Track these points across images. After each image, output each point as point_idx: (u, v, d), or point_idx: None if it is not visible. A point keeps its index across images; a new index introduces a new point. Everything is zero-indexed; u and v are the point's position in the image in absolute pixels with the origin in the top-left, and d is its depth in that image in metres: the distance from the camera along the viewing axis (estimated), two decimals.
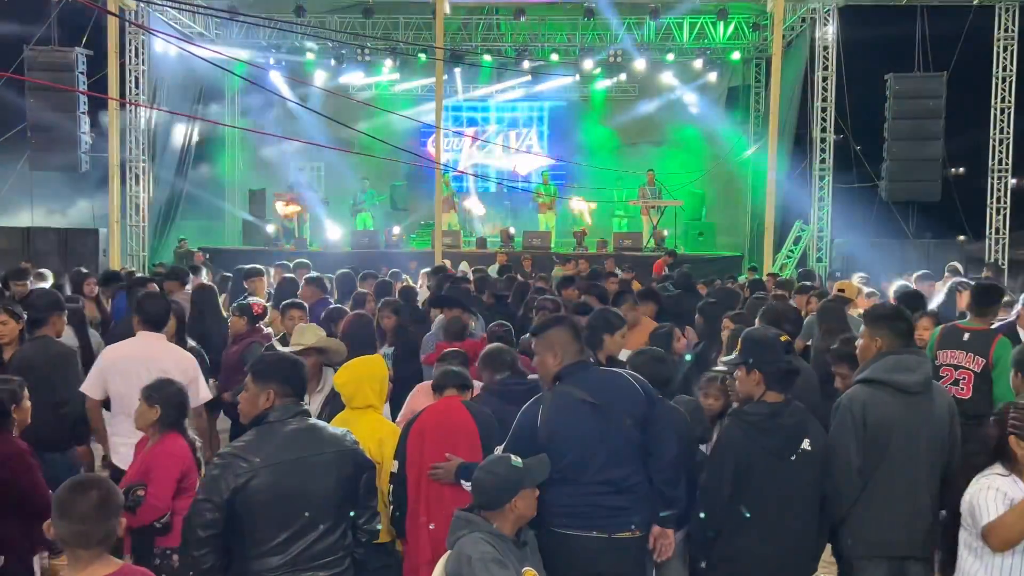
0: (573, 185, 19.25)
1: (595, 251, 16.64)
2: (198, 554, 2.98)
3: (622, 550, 3.38)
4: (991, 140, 16.31)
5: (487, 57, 19.22)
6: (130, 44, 15.93)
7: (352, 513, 3.22)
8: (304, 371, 3.36)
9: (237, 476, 2.97)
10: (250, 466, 2.99)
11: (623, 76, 19.48)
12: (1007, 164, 16.31)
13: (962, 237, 17.70)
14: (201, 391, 4.75)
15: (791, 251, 16.66)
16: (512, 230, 17.68)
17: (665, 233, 16.72)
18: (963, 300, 6.37)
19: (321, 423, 3.28)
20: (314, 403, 4.41)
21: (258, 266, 8.36)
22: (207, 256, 15.30)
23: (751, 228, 18.98)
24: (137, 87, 16.12)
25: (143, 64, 16.13)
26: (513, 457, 3.15)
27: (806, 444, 3.44)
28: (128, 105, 15.78)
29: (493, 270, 11.75)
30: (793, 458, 3.42)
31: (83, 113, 15.42)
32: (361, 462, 3.24)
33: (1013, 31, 15.90)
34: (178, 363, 4.67)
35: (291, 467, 3.04)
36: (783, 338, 3.50)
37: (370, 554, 3.33)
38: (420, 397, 4.46)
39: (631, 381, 3.56)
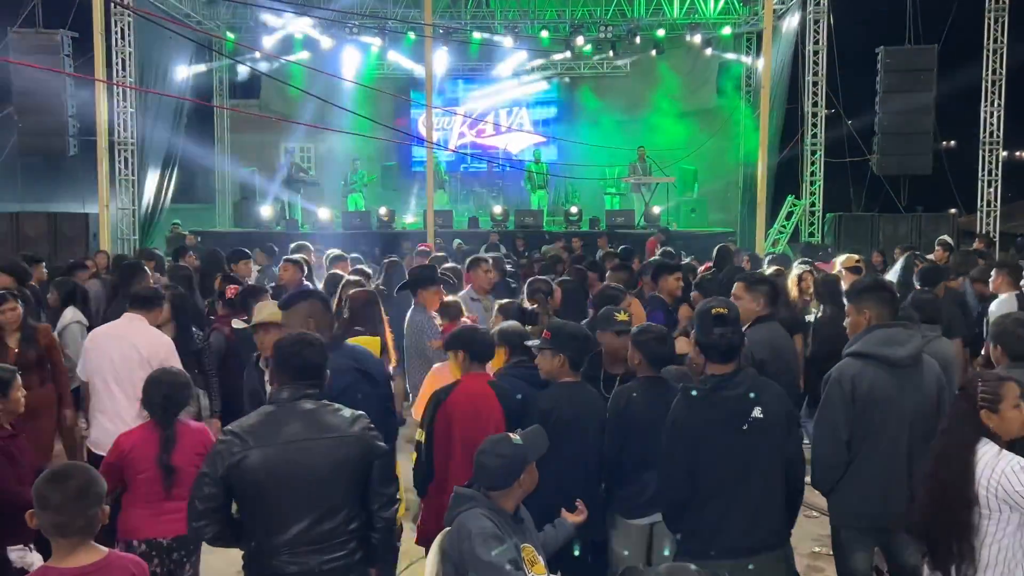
0: (564, 164, 19.21)
1: (587, 229, 16.63)
2: (196, 525, 3.07)
3: None
4: (982, 113, 16.29)
5: (477, 35, 19.09)
6: (116, 25, 15.77)
7: (364, 499, 3.21)
8: (315, 353, 3.28)
9: (232, 454, 3.02)
10: (243, 445, 3.02)
11: (613, 53, 19.37)
12: (998, 137, 16.30)
13: (953, 210, 17.74)
14: None
15: (784, 226, 16.68)
16: (498, 209, 17.65)
17: (656, 210, 16.70)
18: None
19: (334, 406, 3.24)
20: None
21: (244, 249, 8.34)
22: (199, 239, 15.27)
23: (743, 204, 18.98)
24: (124, 69, 15.98)
25: (129, 46, 15.97)
26: (512, 435, 3.16)
27: (757, 412, 3.43)
28: (116, 87, 15.65)
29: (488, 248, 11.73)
30: (745, 428, 3.42)
31: (70, 96, 15.28)
32: (371, 448, 3.19)
33: (1004, 3, 15.85)
34: (151, 344, 4.74)
35: (283, 450, 3.05)
36: (715, 311, 3.50)
37: (387, 539, 3.33)
38: (438, 380, 4.46)
39: None
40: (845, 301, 4.46)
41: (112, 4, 14.84)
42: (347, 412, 3.23)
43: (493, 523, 2.96)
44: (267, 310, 4.64)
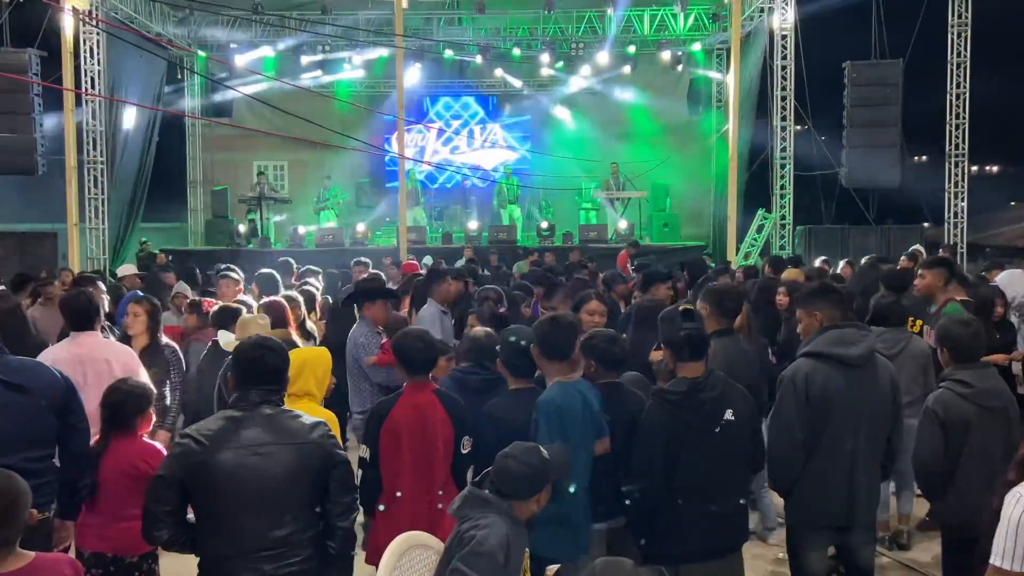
0: (536, 175, 19.30)
1: (560, 244, 16.69)
2: (151, 528, 3.05)
3: None
4: (948, 126, 16.52)
5: (449, 52, 19.19)
6: (85, 43, 15.70)
7: (322, 507, 3.18)
8: (277, 358, 3.25)
9: (188, 457, 3.00)
10: (200, 449, 3.01)
11: (586, 69, 19.52)
12: (964, 149, 16.53)
13: (927, 224, 17.97)
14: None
15: (755, 239, 16.81)
16: (473, 224, 17.70)
17: (623, 225, 16.79)
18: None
19: (293, 413, 3.22)
20: None
21: (230, 271, 8.25)
22: (169, 258, 15.17)
23: (714, 217, 19.13)
24: (93, 87, 15.89)
25: (99, 64, 15.90)
26: (542, 448, 3.07)
27: (729, 415, 3.47)
28: (85, 104, 15.56)
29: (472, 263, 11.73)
30: (717, 430, 3.45)
31: (38, 115, 15.17)
32: (329, 456, 3.16)
33: (966, 17, 16.13)
34: (118, 357, 4.63)
35: (242, 454, 3.02)
36: (683, 307, 3.53)
37: (343, 548, 3.27)
38: None
39: None
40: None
41: (81, 22, 14.81)
42: (306, 419, 3.21)
43: (508, 542, 2.84)
44: (253, 327, 4.62)
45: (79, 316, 4.69)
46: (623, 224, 16.91)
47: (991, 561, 2.63)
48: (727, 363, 4.40)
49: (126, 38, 15.03)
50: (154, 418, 4.15)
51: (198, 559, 3.13)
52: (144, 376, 4.67)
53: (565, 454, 3.16)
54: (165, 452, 3.73)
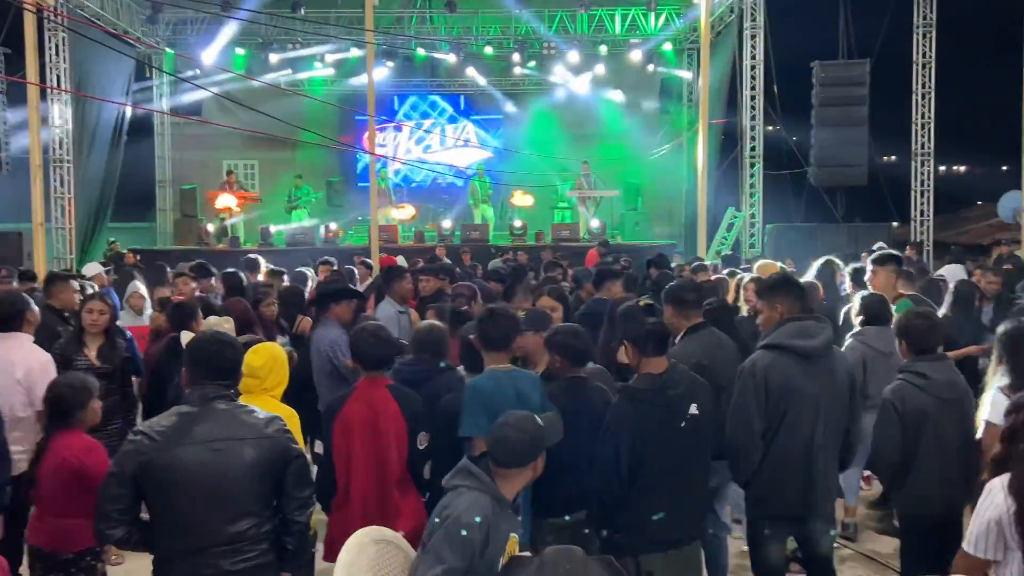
0: (511, 173, 19.30)
1: (533, 242, 16.70)
2: (103, 526, 3.01)
3: None
4: (913, 126, 16.75)
5: (421, 51, 19.14)
6: (50, 42, 15.49)
7: (278, 502, 3.16)
8: (234, 353, 3.26)
9: (141, 453, 2.97)
10: (154, 444, 2.98)
11: (560, 68, 19.55)
12: (929, 149, 16.77)
13: (895, 224, 18.19)
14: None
15: (725, 238, 16.92)
16: (447, 223, 17.67)
17: (595, 223, 16.86)
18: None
19: (248, 408, 3.21)
20: None
21: (203, 266, 8.19)
22: (138, 258, 14.98)
23: (686, 216, 19.24)
24: (59, 85, 15.68)
25: (64, 62, 15.69)
26: (536, 415, 3.10)
27: (694, 409, 3.50)
28: (51, 103, 15.35)
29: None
30: (683, 425, 3.47)
31: (1, 112, 14.95)
32: (285, 451, 3.15)
33: (931, 18, 16.35)
34: (24, 361, 4.63)
35: (196, 450, 3.00)
36: (643, 302, 3.55)
37: (300, 543, 3.26)
38: None
39: None
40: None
41: (45, 19, 14.59)
42: (262, 414, 3.20)
43: (486, 519, 2.84)
44: (224, 328, 4.58)
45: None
46: (595, 223, 16.98)
47: (963, 546, 2.84)
48: (710, 356, 4.44)
49: (92, 35, 14.84)
50: (99, 415, 4.06)
51: (153, 556, 3.10)
52: (40, 389, 4.50)
53: (558, 422, 3.19)
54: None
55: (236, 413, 3.14)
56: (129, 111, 17.90)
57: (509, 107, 20.93)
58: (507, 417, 3.06)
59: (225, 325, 4.69)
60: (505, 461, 2.97)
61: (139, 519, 3.08)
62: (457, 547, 2.77)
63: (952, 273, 8.10)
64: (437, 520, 2.88)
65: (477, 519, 2.81)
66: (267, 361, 3.93)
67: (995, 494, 2.75)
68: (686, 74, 20.07)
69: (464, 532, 2.79)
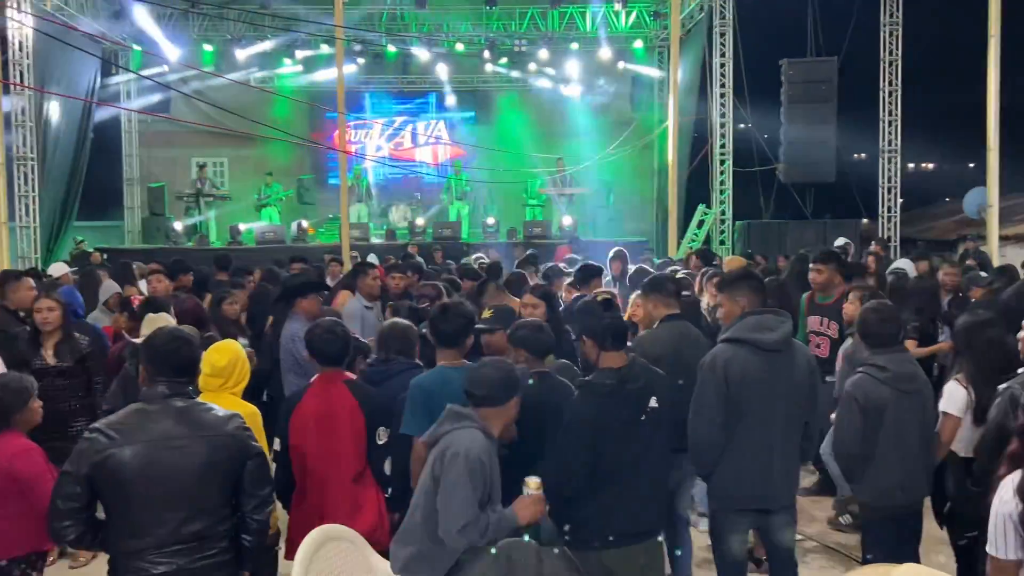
0: (483, 169, 19.25)
1: (505, 240, 16.70)
2: (58, 525, 2.98)
3: None
4: (881, 123, 16.93)
5: (392, 48, 19.05)
6: (13, 39, 15.23)
7: (237, 500, 3.14)
8: (191, 350, 3.23)
9: (97, 451, 2.94)
10: (110, 443, 2.95)
11: (531, 66, 19.55)
12: (896, 146, 16.95)
13: (866, 220, 18.39)
14: None
15: (695, 234, 17.02)
16: (421, 221, 17.62)
17: (567, 220, 16.89)
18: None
19: (206, 405, 3.19)
20: None
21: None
22: (105, 257, 14.79)
23: (657, 213, 19.32)
24: (22, 81, 15.42)
25: (28, 58, 15.44)
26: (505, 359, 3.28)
27: (653, 402, 3.50)
28: (14, 99, 15.10)
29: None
30: (643, 418, 3.48)
31: None
32: (244, 448, 3.14)
33: (898, 16, 16.53)
34: None
35: (153, 448, 2.98)
36: (601, 297, 3.57)
37: (259, 541, 3.25)
38: None
39: None
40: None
41: (8, 15, 14.37)
42: (220, 411, 3.18)
43: (486, 449, 3.09)
44: (162, 323, 4.50)
45: None
46: (568, 220, 17.00)
47: (987, 550, 2.72)
48: (674, 347, 4.45)
49: (56, 31, 14.60)
50: (39, 415, 3.95)
51: (109, 555, 3.07)
52: None
53: (525, 372, 3.41)
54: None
55: (194, 411, 3.11)
56: (95, 108, 17.64)
57: (480, 104, 20.89)
58: (483, 360, 3.34)
59: (160, 321, 4.58)
60: (483, 397, 3.19)
61: (95, 518, 3.05)
62: (477, 477, 3.01)
63: (903, 267, 8.32)
64: (441, 462, 3.07)
65: (481, 449, 3.06)
66: (231, 359, 3.91)
67: (1004, 491, 2.67)
68: (656, 72, 20.14)
69: (477, 462, 3.02)
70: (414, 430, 3.60)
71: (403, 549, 3.19)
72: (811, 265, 6.04)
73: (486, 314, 4.42)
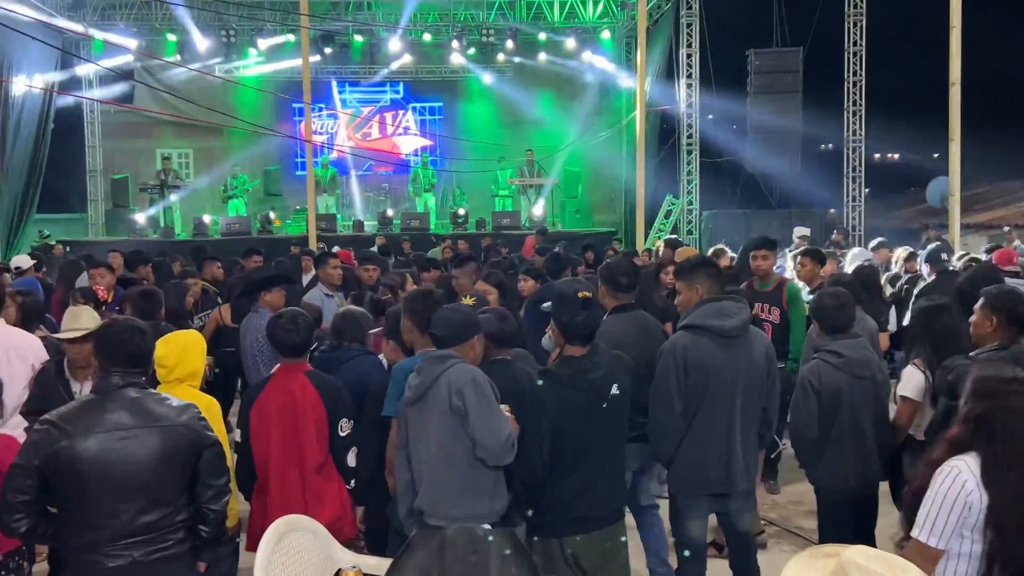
0: (454, 158, 19.22)
1: (474, 231, 16.68)
2: (8, 519, 2.94)
3: None
4: (845, 113, 17.12)
5: (358, 37, 18.91)
6: None
7: (193, 491, 3.12)
8: (144, 340, 3.19)
9: (49, 444, 2.91)
10: (62, 434, 2.92)
11: (499, 56, 19.50)
12: (860, 135, 17.16)
13: (832, 210, 18.60)
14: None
15: (663, 224, 17.11)
16: (390, 212, 17.55)
17: (536, 211, 16.90)
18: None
19: (160, 396, 3.17)
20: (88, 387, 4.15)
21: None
22: (67, 249, 14.58)
23: (625, 204, 19.40)
24: None
25: None
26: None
27: (615, 389, 3.52)
28: None
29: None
30: (604, 406, 3.49)
31: None
32: (199, 439, 3.12)
33: (862, 7, 16.71)
34: (30, 345, 4.48)
35: (106, 439, 2.94)
36: (582, 294, 3.54)
37: (216, 532, 3.22)
38: None
39: None
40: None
41: None
42: (175, 401, 3.16)
43: (477, 370, 3.25)
44: (87, 317, 4.38)
45: None
46: (537, 211, 17.03)
47: (914, 534, 2.60)
48: (617, 339, 4.45)
49: (14, 21, 14.31)
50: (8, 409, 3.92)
51: (63, 549, 3.04)
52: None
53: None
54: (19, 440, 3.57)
55: (147, 401, 3.08)
56: (56, 98, 17.33)
57: (448, 94, 20.81)
58: (442, 307, 3.53)
59: (83, 315, 4.46)
60: (444, 336, 3.34)
61: (47, 511, 3.02)
62: (495, 401, 3.23)
63: (856, 256, 8.61)
64: (457, 400, 3.18)
65: (478, 373, 3.22)
66: (174, 350, 3.86)
67: (949, 478, 2.53)
68: (624, 63, 20.19)
69: (487, 384, 3.21)
70: (395, 412, 3.60)
71: (445, 498, 3.25)
72: (753, 252, 6.08)
73: (468, 300, 4.45)
